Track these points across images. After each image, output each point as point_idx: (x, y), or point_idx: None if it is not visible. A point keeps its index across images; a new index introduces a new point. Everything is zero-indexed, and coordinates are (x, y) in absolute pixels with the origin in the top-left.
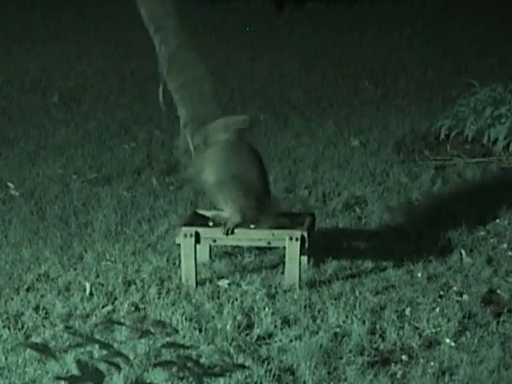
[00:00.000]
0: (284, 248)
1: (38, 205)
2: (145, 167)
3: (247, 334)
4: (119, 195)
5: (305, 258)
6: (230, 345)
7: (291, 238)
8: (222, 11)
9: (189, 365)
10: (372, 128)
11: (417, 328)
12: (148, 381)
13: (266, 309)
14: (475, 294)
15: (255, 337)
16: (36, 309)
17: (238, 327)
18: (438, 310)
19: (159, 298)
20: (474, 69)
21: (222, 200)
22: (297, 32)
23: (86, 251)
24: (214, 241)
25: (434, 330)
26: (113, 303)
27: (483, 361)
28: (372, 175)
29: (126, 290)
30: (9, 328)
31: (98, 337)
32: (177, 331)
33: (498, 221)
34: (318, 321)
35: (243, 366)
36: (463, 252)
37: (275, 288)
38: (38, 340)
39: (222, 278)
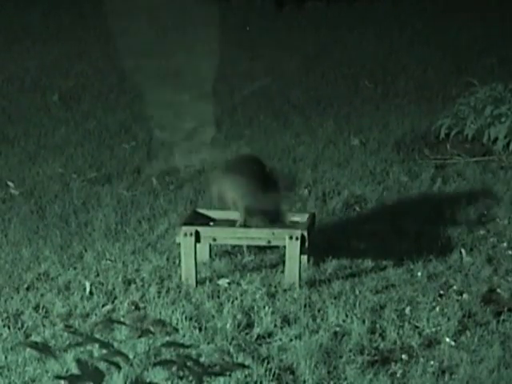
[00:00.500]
0: (284, 247)
1: (38, 204)
2: (145, 166)
3: (247, 333)
4: (119, 194)
5: (305, 257)
6: (230, 344)
7: (291, 237)
8: (221, 10)
9: (189, 364)
10: (372, 127)
11: (417, 327)
12: (148, 380)
13: (266, 308)
14: (475, 293)
15: (255, 336)
16: (36, 308)
17: (238, 326)
18: (437, 309)
19: (159, 297)
20: (474, 68)
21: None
22: (297, 31)
23: (85, 250)
24: (214, 240)
25: (433, 329)
26: (113, 302)
27: (483, 360)
28: (372, 174)
29: (126, 289)
30: (9, 327)
31: (97, 336)
32: (177, 330)
33: (497, 220)
34: (318, 320)
35: (243, 365)
36: (463, 251)
37: (275, 287)
38: (38, 339)
39: (222, 277)
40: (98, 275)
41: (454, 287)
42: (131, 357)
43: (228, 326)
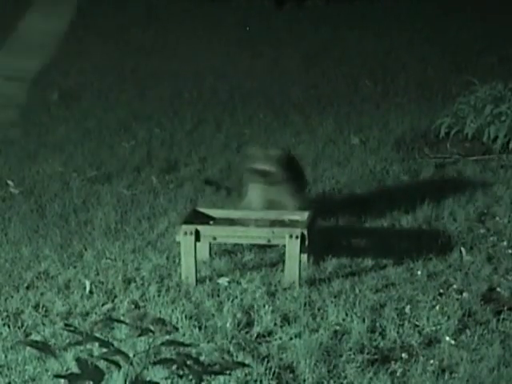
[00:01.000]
0: (284, 246)
1: (38, 203)
2: (145, 165)
3: (247, 332)
4: (119, 193)
5: (305, 256)
6: (230, 343)
7: (291, 236)
8: (222, 9)
9: (188, 363)
10: (372, 126)
11: (417, 326)
12: (148, 378)
13: (266, 307)
14: (475, 292)
15: (255, 335)
16: (36, 307)
17: (238, 325)
18: (437, 307)
19: (159, 295)
20: (474, 67)
21: None
22: (297, 30)
23: (85, 249)
24: (214, 238)
25: (433, 328)
26: (113, 301)
27: (483, 359)
28: (372, 173)
29: (126, 287)
30: (8, 326)
31: (97, 335)
32: (177, 329)
33: (497, 219)
34: (318, 319)
35: (243, 364)
36: (463, 250)
37: (275, 286)
38: (38, 338)
39: (222, 275)
40: (97, 274)
41: (454, 286)
42: (131, 355)
43: (228, 324)
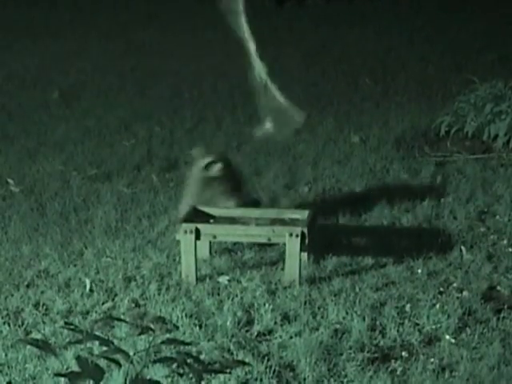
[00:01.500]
0: (284, 244)
1: (38, 201)
2: (145, 164)
3: (247, 331)
4: (119, 192)
5: (305, 255)
6: (230, 341)
7: (291, 235)
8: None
9: (189, 361)
10: (372, 124)
11: (417, 324)
12: (148, 377)
13: (266, 305)
14: (475, 291)
15: (255, 333)
16: (36, 305)
17: (238, 323)
18: (438, 306)
19: (159, 294)
20: (474, 65)
21: None
22: (297, 28)
23: (86, 247)
24: (214, 237)
25: (434, 327)
26: (113, 300)
27: (483, 357)
28: (372, 171)
29: (126, 286)
30: (9, 324)
31: (97, 333)
32: (177, 327)
33: (498, 217)
34: (318, 317)
35: (243, 363)
36: (463, 248)
37: (275, 284)
38: (38, 336)
39: (222, 274)
40: (98, 272)
41: (454, 284)
42: (131, 354)
43: (228, 323)
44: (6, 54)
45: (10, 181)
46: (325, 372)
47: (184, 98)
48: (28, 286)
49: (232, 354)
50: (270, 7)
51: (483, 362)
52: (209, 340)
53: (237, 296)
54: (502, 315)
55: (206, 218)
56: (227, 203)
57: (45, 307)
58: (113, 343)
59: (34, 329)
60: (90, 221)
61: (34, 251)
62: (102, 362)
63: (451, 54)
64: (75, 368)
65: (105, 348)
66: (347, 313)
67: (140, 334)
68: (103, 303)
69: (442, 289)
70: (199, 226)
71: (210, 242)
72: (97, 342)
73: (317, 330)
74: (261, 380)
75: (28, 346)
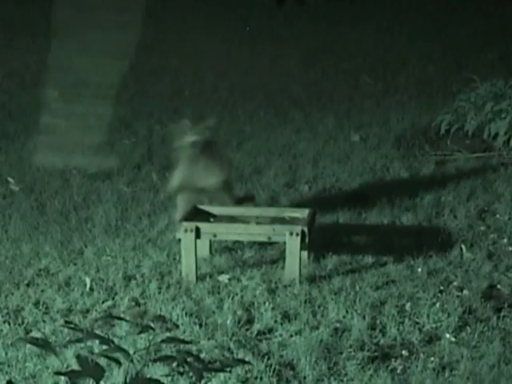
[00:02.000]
0: (284, 243)
1: (38, 200)
2: (145, 162)
3: (247, 329)
4: (119, 190)
5: (305, 253)
6: (230, 340)
7: (291, 233)
8: (222, 6)
9: (189, 360)
10: (372, 123)
11: (417, 323)
12: (148, 376)
13: (267, 304)
14: (475, 289)
15: (255, 332)
16: (36, 304)
17: (239, 322)
18: (438, 305)
19: (159, 292)
20: (475, 64)
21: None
22: (297, 27)
23: (86, 246)
24: (215, 236)
25: (434, 325)
26: (113, 298)
27: (483, 356)
28: (372, 170)
29: (126, 285)
30: (9, 323)
31: (98, 332)
32: (177, 326)
33: (498, 216)
34: (319, 316)
35: (243, 361)
36: (463, 247)
37: (275, 283)
38: (38, 335)
39: (223, 272)
40: (98, 271)
41: (455, 283)
42: (131, 353)
43: (228, 321)
44: (6, 52)
45: (10, 179)
46: (325, 371)
47: (184, 97)
48: (28, 285)
49: (232, 352)
50: (269, 5)
51: (483, 361)
52: (209, 339)
53: (237, 295)
54: (502, 314)
55: (207, 216)
56: (210, 180)
57: (45, 306)
58: (113, 342)
59: (34, 327)
60: (90, 219)
61: (34, 250)
62: (102, 361)
63: (451, 53)
64: (75, 367)
65: (105, 347)
66: (347, 311)
67: (140, 333)
68: (103, 302)
69: (442, 287)
70: (199, 224)
71: (211, 241)
72: (97, 341)
73: (317, 328)
74: (261, 379)
75: (28, 345)
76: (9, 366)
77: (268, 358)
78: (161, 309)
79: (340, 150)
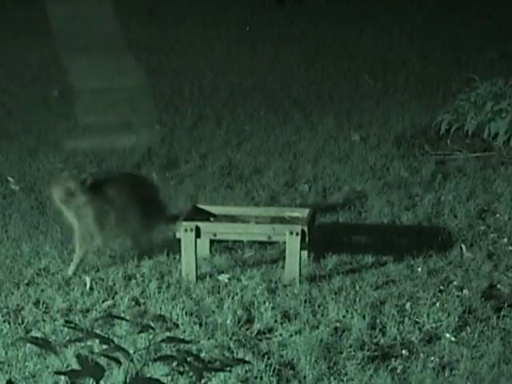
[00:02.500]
0: (284, 243)
1: (39, 199)
2: (145, 162)
3: (247, 329)
4: None
5: (305, 253)
6: (230, 339)
7: (291, 233)
8: (222, 6)
9: (189, 359)
10: (372, 123)
11: (417, 323)
12: (148, 375)
13: (267, 303)
14: (475, 289)
15: (255, 331)
16: (36, 303)
17: (238, 322)
18: (438, 304)
19: (159, 292)
20: (475, 63)
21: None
22: (297, 26)
23: None
24: (215, 235)
25: (434, 325)
26: (113, 298)
27: (483, 355)
28: (372, 170)
29: (126, 284)
30: (9, 322)
31: (98, 331)
32: (177, 326)
33: (498, 216)
34: (319, 315)
35: (243, 361)
36: (463, 247)
37: (275, 283)
38: (38, 334)
39: (223, 272)
40: (98, 271)
41: (455, 283)
42: (131, 352)
43: (228, 321)
44: (6, 51)
45: (10, 179)
46: (325, 370)
47: (184, 96)
48: (28, 284)
49: (232, 352)
50: (269, 5)
51: (483, 361)
52: (209, 338)
53: (237, 294)
54: (502, 313)
55: (207, 216)
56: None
57: (45, 305)
58: (113, 341)
59: (34, 327)
60: None
61: (34, 249)
62: (103, 360)
63: (451, 52)
64: (75, 366)
65: (105, 346)
66: (347, 311)
67: (140, 333)
68: (103, 301)
69: (442, 287)
70: (199, 224)
71: (211, 240)
72: (97, 340)
73: (317, 328)
74: (261, 378)
75: (28, 344)
76: (9, 365)
77: (268, 358)
78: (161, 308)
79: (340, 149)
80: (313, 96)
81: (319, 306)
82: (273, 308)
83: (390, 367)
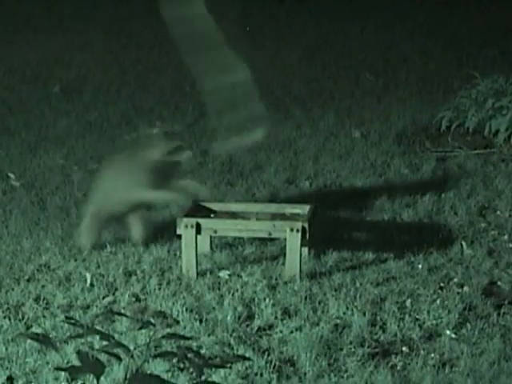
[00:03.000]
0: (285, 239)
1: (39, 195)
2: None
3: (248, 325)
4: None
5: (305, 250)
6: (231, 336)
7: (292, 230)
8: (222, 2)
9: (189, 356)
10: (373, 119)
11: (417, 320)
12: (148, 371)
13: (267, 300)
14: (476, 286)
15: (256, 328)
16: (36, 299)
17: (239, 318)
18: (438, 301)
19: (160, 288)
20: (476, 60)
21: None
22: (298, 23)
23: None
24: (215, 232)
25: (434, 322)
26: (113, 294)
27: (484, 353)
28: (373, 167)
29: (127, 280)
30: (9, 318)
31: (98, 327)
32: (177, 322)
33: (498, 213)
34: (319, 312)
35: (244, 357)
36: (464, 244)
37: (276, 279)
38: (39, 330)
39: (223, 268)
40: (98, 267)
41: (455, 280)
42: (132, 348)
43: (228, 317)
44: (6, 47)
45: (11, 175)
46: (325, 367)
47: (185, 93)
48: (28, 280)
49: (232, 348)
50: (270, 1)
51: (484, 358)
52: (209, 335)
53: (237, 291)
54: (502, 311)
55: (207, 212)
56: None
57: (45, 301)
58: (113, 337)
59: (34, 323)
60: None
61: (35, 245)
62: (103, 357)
63: (452, 49)
64: (76, 362)
65: (105, 342)
66: (348, 308)
67: (140, 329)
68: (104, 297)
69: (442, 284)
70: (200, 220)
71: (211, 237)
72: (97, 337)
73: (317, 324)
74: (261, 375)
75: (28, 340)
76: (9, 361)
77: (268, 354)
78: (161, 305)
79: (341, 146)
80: (313, 93)
81: (319, 303)
82: (273, 304)
83: (390, 364)
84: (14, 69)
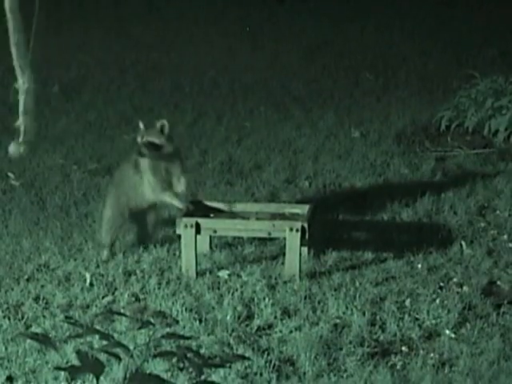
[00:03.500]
0: (284, 239)
1: (39, 195)
2: None
3: (247, 325)
4: None
5: (305, 249)
6: (230, 335)
7: (291, 229)
8: (222, 2)
9: (189, 355)
10: (373, 119)
11: (417, 319)
12: (148, 371)
13: (266, 300)
14: (475, 286)
15: (255, 327)
16: (36, 299)
17: (238, 318)
18: (438, 301)
19: (159, 288)
20: (475, 60)
21: None
22: (298, 23)
23: (86, 241)
24: (215, 231)
25: (434, 322)
26: (113, 294)
27: (483, 352)
28: (372, 166)
29: (127, 280)
30: (9, 318)
31: (98, 327)
32: (177, 322)
33: (498, 212)
34: (318, 312)
35: (243, 357)
36: (463, 243)
37: (275, 279)
38: (38, 330)
39: (223, 268)
40: (98, 266)
41: (455, 279)
42: (131, 348)
43: (228, 317)
44: (6, 47)
45: (11, 174)
46: (324, 366)
47: (184, 93)
48: (28, 280)
49: (232, 348)
50: (270, 1)
51: (483, 357)
52: (209, 334)
53: (237, 290)
54: (501, 310)
55: (207, 212)
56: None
57: (45, 301)
58: (113, 337)
59: (34, 322)
60: (91, 215)
61: (35, 245)
62: (102, 356)
63: (452, 49)
64: (75, 362)
65: (105, 342)
66: (347, 307)
67: (140, 328)
68: (103, 297)
69: (442, 284)
70: (199, 220)
71: (211, 237)
72: (97, 336)
73: (317, 324)
74: (261, 374)
75: (28, 340)
76: (9, 360)
77: (268, 354)
78: (161, 304)
79: (340, 146)
80: (313, 92)
81: (319, 303)
82: (273, 304)
83: (389, 363)
84: (13, 69)
